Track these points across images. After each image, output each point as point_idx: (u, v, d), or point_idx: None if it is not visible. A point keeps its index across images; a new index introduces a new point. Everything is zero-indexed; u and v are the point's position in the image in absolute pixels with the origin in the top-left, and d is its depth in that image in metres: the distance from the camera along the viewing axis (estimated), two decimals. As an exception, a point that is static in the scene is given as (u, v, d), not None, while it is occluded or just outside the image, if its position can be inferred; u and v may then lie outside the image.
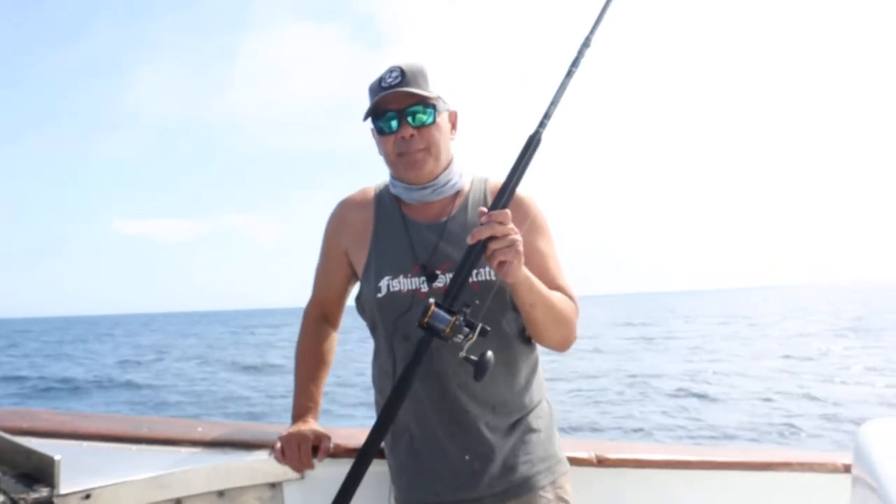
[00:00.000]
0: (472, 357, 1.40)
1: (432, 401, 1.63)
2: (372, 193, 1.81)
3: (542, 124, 1.48)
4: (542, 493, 1.66)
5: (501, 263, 1.41)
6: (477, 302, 1.44)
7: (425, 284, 1.63)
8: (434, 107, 1.65)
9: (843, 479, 2.04)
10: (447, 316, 1.39)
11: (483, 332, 1.40)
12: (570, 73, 1.48)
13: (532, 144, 1.48)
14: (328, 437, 1.75)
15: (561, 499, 1.69)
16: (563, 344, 1.68)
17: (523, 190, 1.52)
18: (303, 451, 1.71)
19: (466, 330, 1.39)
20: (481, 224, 1.41)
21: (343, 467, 1.81)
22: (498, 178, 1.77)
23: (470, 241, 1.42)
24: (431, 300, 1.40)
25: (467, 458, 1.63)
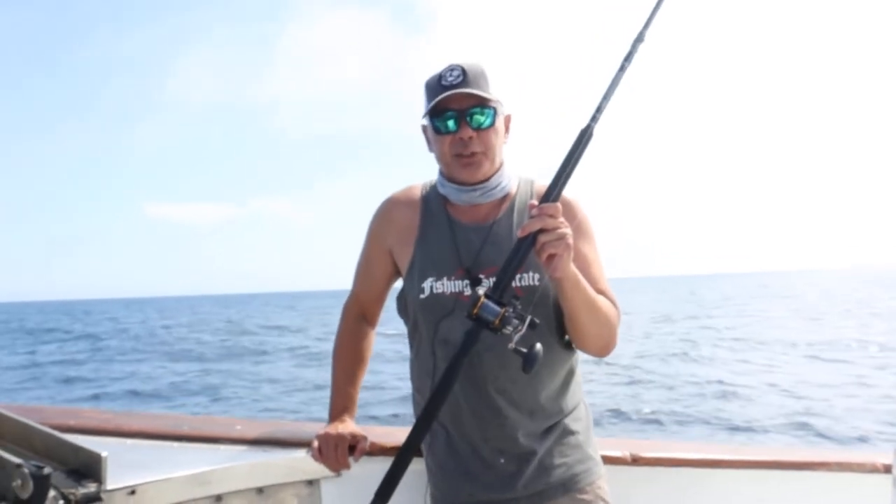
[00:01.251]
0: (522, 349, 1.39)
1: (469, 403, 1.64)
2: (418, 192, 1.80)
3: (594, 118, 1.46)
4: (579, 495, 1.66)
5: (550, 257, 1.41)
6: (521, 306, 1.42)
7: (469, 288, 1.62)
8: (494, 109, 1.64)
9: (884, 480, 2.01)
10: (497, 308, 1.39)
11: (532, 325, 1.39)
12: (622, 68, 1.47)
13: (584, 138, 1.46)
14: (365, 438, 1.76)
15: (601, 498, 1.69)
16: (603, 348, 1.65)
17: (570, 192, 1.51)
18: (340, 450, 1.73)
19: (516, 322, 1.38)
20: (531, 217, 1.41)
21: (380, 465, 1.83)
22: (544, 180, 1.76)
23: (520, 233, 1.42)
24: (481, 291, 1.40)
25: (502, 461, 1.64)
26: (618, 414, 11.03)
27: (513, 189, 1.75)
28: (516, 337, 1.39)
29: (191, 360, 22.87)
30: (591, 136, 1.46)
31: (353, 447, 1.75)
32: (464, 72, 1.61)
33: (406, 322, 1.79)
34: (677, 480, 2.07)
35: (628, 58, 1.48)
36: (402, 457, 1.47)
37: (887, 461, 2.04)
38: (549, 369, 1.67)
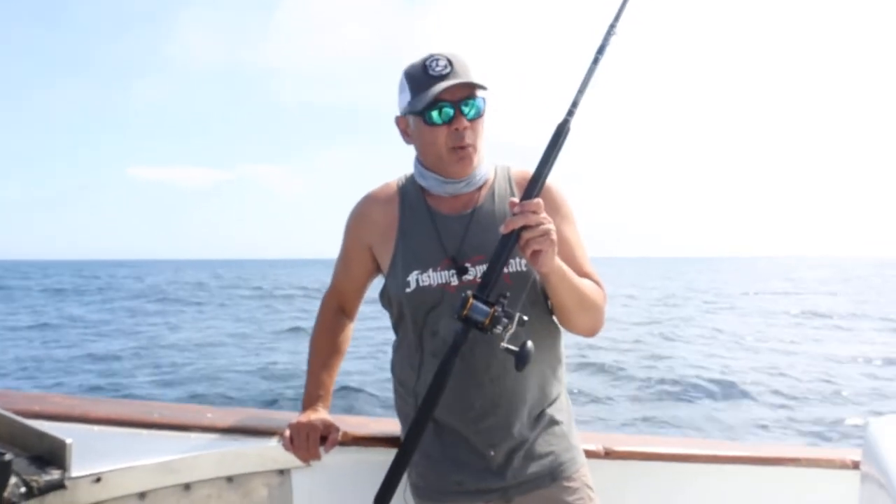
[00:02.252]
0: (513, 347, 1.40)
1: (462, 395, 1.62)
2: (395, 187, 1.78)
3: (570, 112, 1.47)
4: (566, 483, 1.67)
5: (535, 253, 1.41)
6: (508, 294, 1.43)
7: (455, 278, 1.62)
8: (483, 99, 1.63)
9: (852, 476, 2.04)
10: (486, 308, 1.39)
11: (521, 323, 1.41)
12: (595, 61, 1.47)
13: (561, 133, 1.47)
14: (337, 429, 1.75)
15: (588, 486, 1.70)
16: (591, 330, 1.68)
17: (549, 177, 1.50)
18: (311, 440, 1.71)
19: (505, 321, 1.40)
20: (513, 214, 1.41)
21: (352, 455, 1.82)
22: (519, 166, 1.77)
23: (503, 230, 1.42)
24: (469, 292, 1.41)
25: (492, 452, 1.63)
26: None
27: (490, 175, 1.75)
28: (507, 336, 1.40)
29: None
30: (568, 130, 1.47)
31: (324, 438, 1.74)
32: (450, 62, 1.60)
33: (391, 315, 1.77)
34: (650, 474, 2.09)
35: (601, 50, 1.48)
36: (399, 462, 1.47)
37: (856, 458, 2.07)
38: (541, 357, 1.66)
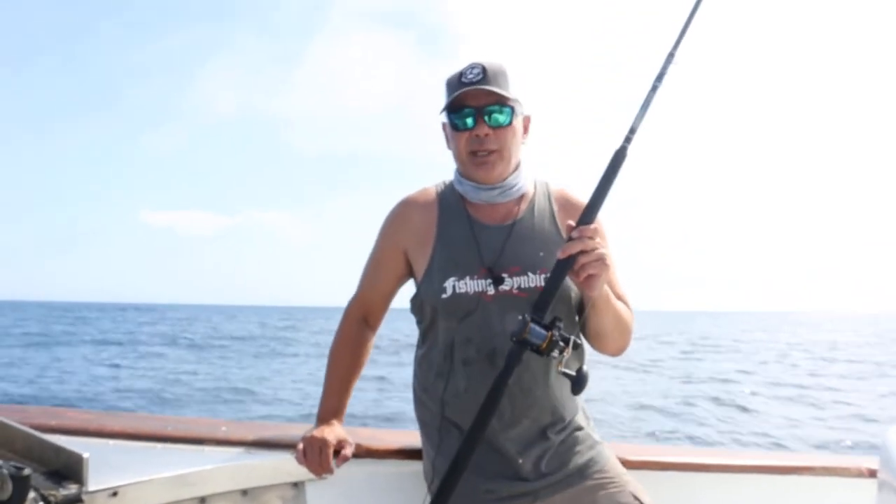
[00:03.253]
0: (570, 372, 1.42)
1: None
2: (434, 193, 1.80)
3: (627, 139, 1.48)
4: (598, 476, 1.68)
5: (590, 277, 1.44)
6: (563, 327, 1.44)
7: (492, 287, 1.63)
8: (512, 108, 1.65)
9: (869, 484, 2.02)
10: (543, 332, 1.41)
11: (575, 346, 1.42)
12: (654, 88, 1.48)
13: (619, 159, 1.48)
14: (350, 443, 1.74)
15: (619, 475, 1.71)
16: (620, 350, 1.71)
17: (586, 199, 1.50)
18: (324, 454, 1.70)
19: (562, 345, 1.41)
20: (570, 238, 1.42)
21: (366, 468, 1.82)
22: (559, 183, 1.80)
23: (560, 255, 1.43)
24: (527, 316, 1.42)
25: (520, 460, 1.64)
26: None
27: (529, 190, 1.77)
28: (564, 360, 1.42)
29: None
30: (625, 156, 1.48)
31: (338, 451, 1.73)
32: (484, 70, 1.63)
33: (420, 321, 1.77)
34: (664, 484, 2.07)
35: (660, 78, 1.48)
36: (446, 484, 1.45)
37: (873, 466, 2.05)
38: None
